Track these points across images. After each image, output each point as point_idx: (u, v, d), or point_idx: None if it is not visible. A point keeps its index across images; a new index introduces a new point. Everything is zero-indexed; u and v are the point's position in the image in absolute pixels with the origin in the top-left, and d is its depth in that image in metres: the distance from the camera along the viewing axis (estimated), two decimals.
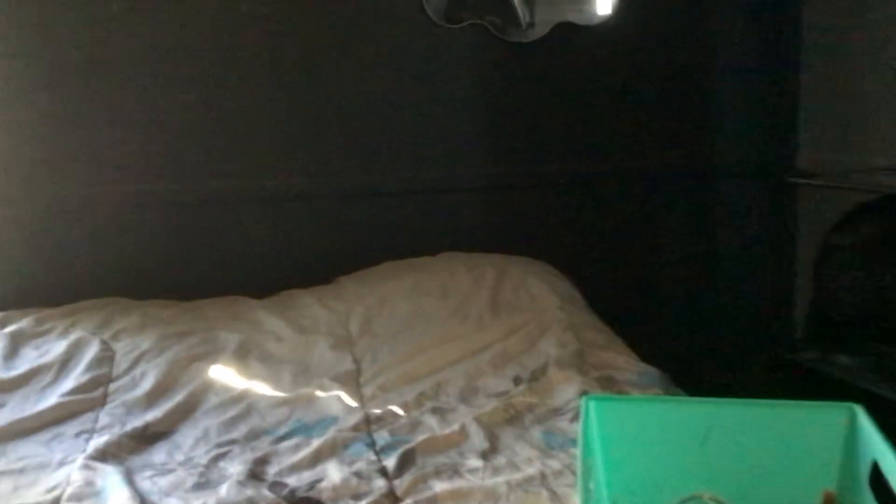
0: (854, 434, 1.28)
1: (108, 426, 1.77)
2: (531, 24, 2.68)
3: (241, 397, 1.90)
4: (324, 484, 1.52)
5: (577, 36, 2.69)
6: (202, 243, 2.51)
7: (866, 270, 2.14)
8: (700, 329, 2.89)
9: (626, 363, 2.05)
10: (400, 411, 1.84)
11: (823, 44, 2.74)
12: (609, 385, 1.94)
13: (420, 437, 1.69)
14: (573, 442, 1.61)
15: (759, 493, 1.29)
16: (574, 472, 1.50)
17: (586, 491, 1.18)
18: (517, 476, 1.53)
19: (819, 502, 1.31)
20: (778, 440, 1.31)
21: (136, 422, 1.78)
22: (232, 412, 1.84)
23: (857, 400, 1.32)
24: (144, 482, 1.54)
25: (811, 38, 2.78)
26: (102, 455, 1.64)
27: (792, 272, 2.80)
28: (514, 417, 1.80)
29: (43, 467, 1.60)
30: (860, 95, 2.60)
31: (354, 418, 1.80)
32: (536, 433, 1.73)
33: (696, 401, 1.46)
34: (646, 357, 2.09)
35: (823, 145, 2.75)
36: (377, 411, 1.84)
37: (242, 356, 2.07)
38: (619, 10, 2.69)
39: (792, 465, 1.31)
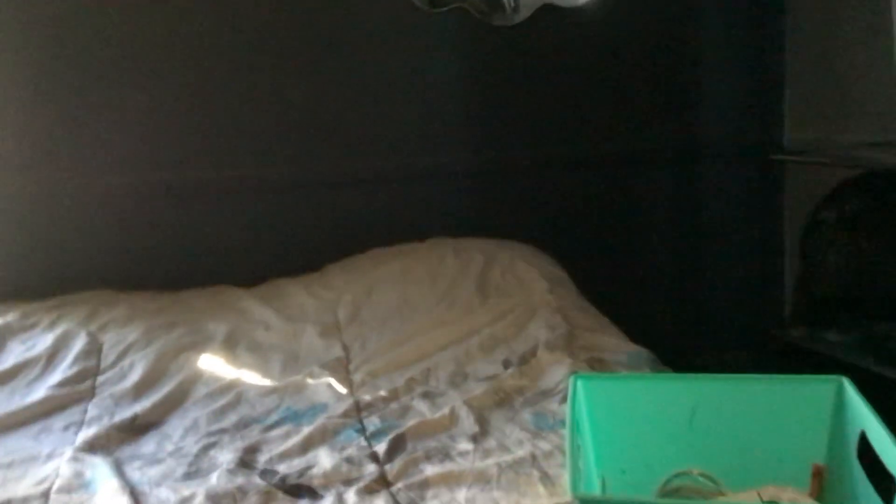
0: (841, 406, 1.28)
1: (96, 418, 1.76)
2: (515, 8, 2.67)
3: (230, 387, 1.90)
4: (315, 470, 1.52)
5: (560, 19, 2.68)
6: (188, 234, 2.49)
7: (851, 247, 2.14)
8: (689, 309, 2.90)
9: (615, 345, 2.06)
10: (389, 397, 1.84)
11: (808, 21, 2.75)
12: (598, 366, 1.94)
13: (410, 422, 1.69)
14: (563, 423, 1.60)
15: (748, 467, 1.30)
16: (564, 453, 1.50)
17: (576, 470, 1.18)
18: (507, 458, 1.53)
19: (808, 475, 1.32)
20: (766, 414, 1.31)
21: (125, 413, 1.77)
22: (221, 402, 1.83)
23: (846, 374, 1.32)
24: (134, 473, 1.53)
25: (795, 16, 2.78)
26: (91, 447, 1.63)
27: (780, 250, 2.81)
28: (503, 400, 1.80)
29: (32, 460, 1.59)
30: (844, 72, 2.60)
31: (344, 405, 1.79)
32: (526, 415, 1.73)
33: (684, 377, 1.46)
34: (635, 338, 2.09)
35: (809, 123, 2.75)
36: (367, 397, 1.84)
37: (231, 346, 2.07)
38: None
39: (781, 438, 1.31)
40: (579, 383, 1.32)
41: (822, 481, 1.30)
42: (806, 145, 2.69)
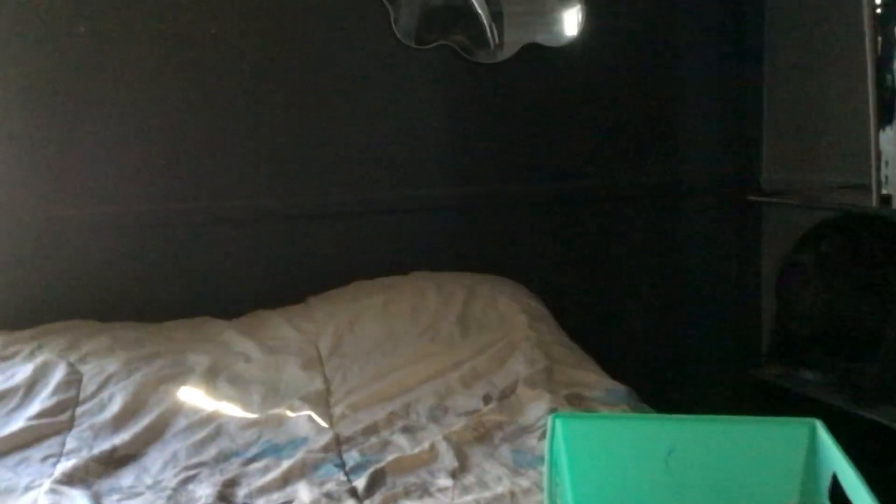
0: (814, 449, 1.30)
1: (75, 450, 1.75)
2: (499, 45, 2.71)
3: (210, 419, 1.90)
4: None
5: (544, 57, 2.72)
6: (170, 265, 2.49)
7: (827, 287, 2.18)
8: (668, 346, 2.93)
9: (594, 381, 2.07)
10: (369, 431, 1.84)
11: (786, 65, 2.80)
12: (578, 402, 1.95)
13: (390, 457, 1.70)
14: (542, 460, 1.62)
15: None
16: (543, 491, 1.51)
17: None
18: (486, 495, 1.54)
19: None
20: (741, 456, 1.33)
21: (104, 445, 1.77)
22: (201, 434, 1.83)
23: (820, 415, 1.34)
24: None
25: (774, 60, 2.84)
26: (69, 479, 1.62)
27: (757, 289, 2.85)
28: (483, 436, 1.81)
29: (9, 492, 1.58)
30: (822, 116, 2.66)
31: (324, 439, 1.80)
32: (506, 451, 1.74)
33: (661, 417, 1.48)
34: (614, 374, 2.11)
35: (786, 164, 2.80)
36: (347, 431, 1.84)
37: (211, 378, 2.07)
38: (586, 31, 2.73)
39: (754, 480, 1.32)
40: (558, 422, 1.33)
41: None
42: (783, 186, 2.74)
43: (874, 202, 2.09)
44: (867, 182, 2.13)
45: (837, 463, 1.20)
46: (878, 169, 2.07)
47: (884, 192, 2.06)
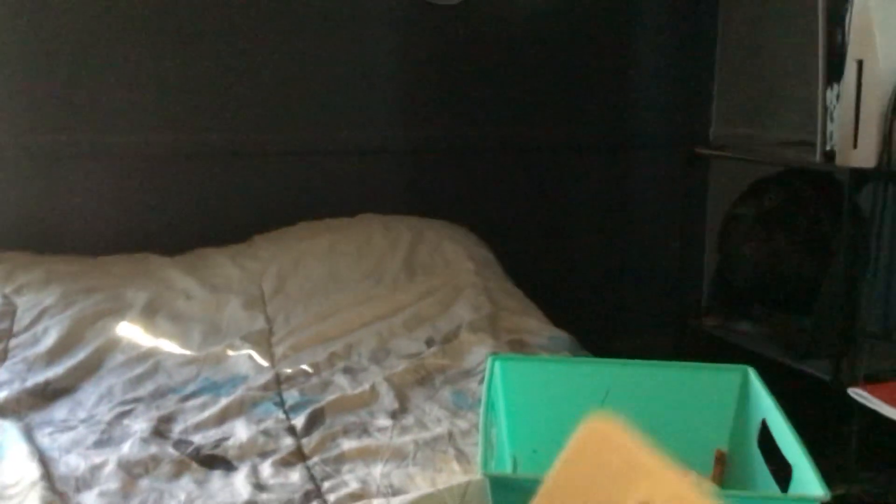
0: (745, 395, 1.33)
1: (7, 382, 1.72)
2: None
3: (147, 355, 1.87)
4: (230, 442, 1.52)
5: (500, 3, 2.70)
6: (112, 199, 2.44)
7: (766, 241, 2.21)
8: (611, 295, 2.96)
9: (537, 327, 2.09)
10: (310, 370, 1.84)
11: (738, 21, 2.80)
12: (520, 348, 1.97)
13: (330, 397, 1.70)
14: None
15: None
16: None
17: (488, 448, 1.20)
18: (425, 435, 1.55)
19: (711, 460, 1.36)
20: (675, 400, 1.36)
21: (37, 378, 1.74)
22: (138, 370, 1.81)
23: (755, 366, 1.37)
24: (44, 439, 1.51)
25: (727, 15, 2.84)
26: (1, 411, 1.60)
27: (701, 242, 2.88)
28: (424, 378, 1.82)
29: None
30: (771, 72, 2.67)
31: (264, 377, 1.79)
32: (446, 394, 1.76)
33: (598, 361, 1.50)
34: (558, 322, 2.13)
35: (734, 120, 2.82)
36: (288, 371, 1.83)
37: (150, 314, 2.04)
38: None
39: (688, 424, 1.36)
40: (496, 364, 1.34)
41: (723, 466, 1.35)
42: (730, 141, 2.76)
43: (818, 157, 2.12)
44: (813, 139, 2.15)
45: (767, 409, 1.24)
46: (825, 125, 2.09)
47: (828, 147, 2.09)
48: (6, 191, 2.34)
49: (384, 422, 1.61)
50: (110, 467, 1.40)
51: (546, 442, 1.36)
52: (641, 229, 2.96)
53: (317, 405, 1.66)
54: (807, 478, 1.09)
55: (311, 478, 1.41)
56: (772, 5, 2.64)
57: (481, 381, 1.77)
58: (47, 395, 1.69)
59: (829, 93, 2.07)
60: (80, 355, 1.84)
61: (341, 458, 1.47)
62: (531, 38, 2.76)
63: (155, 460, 1.43)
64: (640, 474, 0.61)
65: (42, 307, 2.01)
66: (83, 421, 1.60)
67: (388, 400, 1.70)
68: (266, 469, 1.43)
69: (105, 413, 1.63)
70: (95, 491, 1.34)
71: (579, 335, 2.07)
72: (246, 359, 1.88)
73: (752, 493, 1.23)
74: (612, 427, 0.63)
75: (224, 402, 1.66)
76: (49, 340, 1.88)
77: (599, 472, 0.63)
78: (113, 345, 1.90)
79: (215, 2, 2.45)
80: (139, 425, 1.57)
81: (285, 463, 1.45)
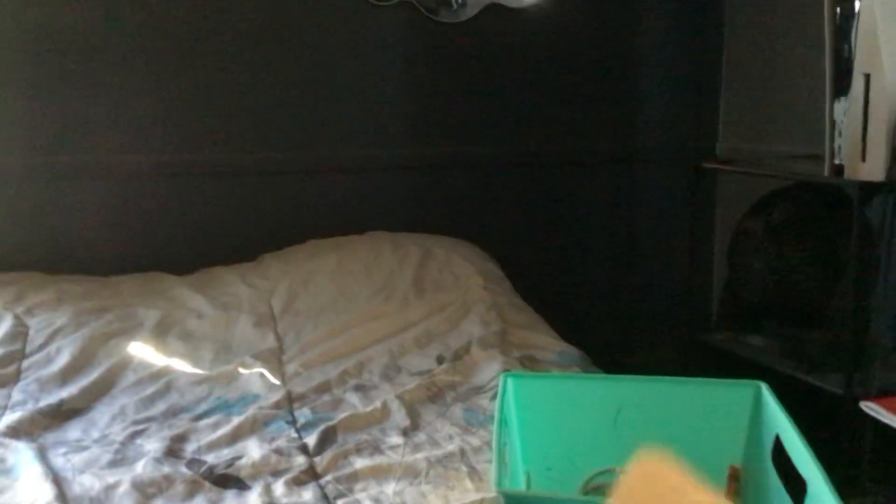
0: (759, 411, 1.33)
1: (20, 403, 1.73)
2: (462, 5, 2.69)
3: (159, 375, 1.88)
4: (243, 461, 1.52)
5: (506, 18, 2.70)
6: (121, 218, 2.45)
7: (776, 255, 2.21)
8: (620, 309, 2.96)
9: (547, 343, 2.09)
10: (322, 388, 1.84)
11: (745, 35, 2.82)
12: (530, 364, 1.97)
13: (342, 415, 1.70)
14: (493, 419, 1.63)
15: None
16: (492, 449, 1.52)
17: (502, 465, 1.20)
18: (437, 452, 1.55)
19: (725, 477, 1.36)
20: (687, 416, 1.35)
21: (51, 398, 1.74)
22: (150, 390, 1.81)
23: (767, 380, 1.37)
24: (58, 459, 1.51)
25: (734, 30, 2.85)
26: (15, 432, 1.60)
27: (709, 256, 2.88)
28: (435, 395, 1.82)
29: None
30: (780, 86, 2.68)
31: (276, 396, 1.79)
32: (457, 411, 1.76)
33: (610, 378, 1.50)
34: (567, 337, 2.13)
35: (741, 133, 2.83)
36: (299, 389, 1.84)
37: (162, 333, 2.04)
38: None
39: (700, 440, 1.35)
40: (509, 381, 1.34)
41: (737, 483, 1.35)
42: (737, 155, 2.77)
43: (827, 171, 2.12)
44: (821, 152, 2.16)
45: (781, 425, 1.23)
46: (833, 139, 2.09)
47: (837, 161, 2.09)
48: (15, 210, 2.35)
49: (396, 439, 1.61)
50: (124, 487, 1.40)
51: (560, 459, 1.36)
52: (649, 244, 2.96)
53: (329, 423, 1.66)
54: (822, 493, 1.08)
55: (324, 496, 1.41)
56: (779, 20, 2.65)
57: (492, 398, 1.77)
58: (61, 415, 1.70)
59: (836, 106, 2.07)
60: (93, 375, 1.84)
61: (354, 477, 1.47)
62: (538, 53, 2.78)
63: (168, 480, 1.44)
64: None
65: (54, 327, 2.01)
66: (97, 441, 1.60)
67: (399, 417, 1.70)
68: (279, 488, 1.43)
69: (118, 433, 1.63)
70: None
71: (588, 350, 2.07)
72: (257, 377, 1.88)
73: None
74: (663, 463, 0.63)
75: (236, 420, 1.67)
76: (62, 360, 1.89)
77: None
78: (125, 364, 1.91)
79: (225, 20, 2.47)
80: (152, 445, 1.57)
81: (298, 482, 1.45)
